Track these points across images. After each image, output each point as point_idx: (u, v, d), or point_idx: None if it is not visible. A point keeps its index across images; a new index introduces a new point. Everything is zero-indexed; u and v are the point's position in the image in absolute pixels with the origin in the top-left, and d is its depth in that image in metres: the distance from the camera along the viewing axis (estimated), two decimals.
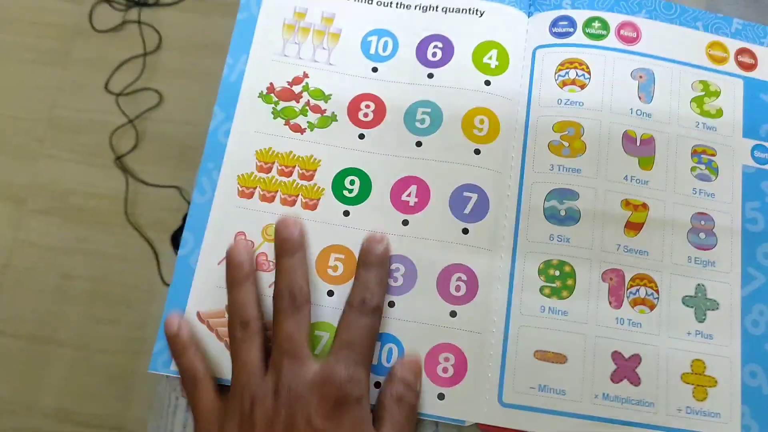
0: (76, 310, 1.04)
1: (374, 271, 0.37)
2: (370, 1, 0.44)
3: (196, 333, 0.37)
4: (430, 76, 0.42)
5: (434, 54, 0.43)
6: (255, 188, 0.40)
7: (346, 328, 0.35)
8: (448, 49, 0.43)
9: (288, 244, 0.37)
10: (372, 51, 0.43)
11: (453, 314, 0.38)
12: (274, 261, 0.37)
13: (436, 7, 0.44)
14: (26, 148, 1.11)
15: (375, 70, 0.42)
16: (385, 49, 0.43)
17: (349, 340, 0.35)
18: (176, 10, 1.17)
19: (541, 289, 0.39)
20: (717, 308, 0.39)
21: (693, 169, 0.41)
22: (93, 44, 1.16)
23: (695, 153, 0.42)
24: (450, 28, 0.43)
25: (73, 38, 1.15)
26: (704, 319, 0.39)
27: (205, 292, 0.38)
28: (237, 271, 0.37)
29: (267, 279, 0.39)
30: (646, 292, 0.39)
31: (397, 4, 0.44)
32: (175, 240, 1.02)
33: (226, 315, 0.37)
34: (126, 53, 1.14)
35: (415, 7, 0.44)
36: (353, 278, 0.38)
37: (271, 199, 0.40)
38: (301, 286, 0.36)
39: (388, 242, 0.38)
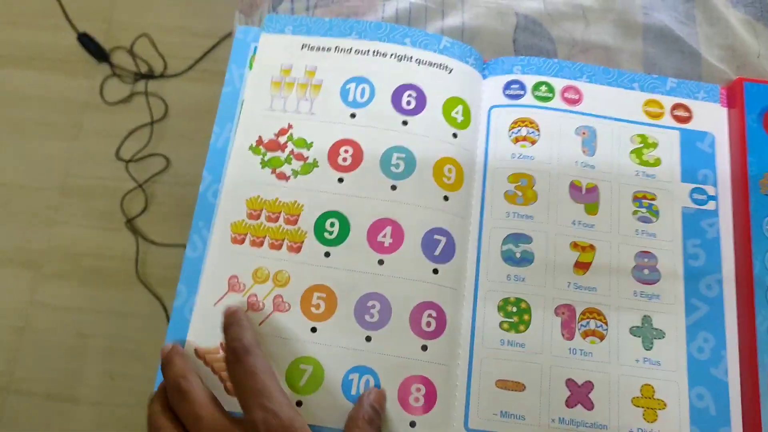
0: (92, 367, 1.09)
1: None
2: (349, 51, 0.49)
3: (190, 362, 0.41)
4: (405, 123, 0.47)
5: (408, 102, 0.47)
6: (246, 234, 0.44)
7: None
8: (420, 99, 0.47)
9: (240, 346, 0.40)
10: (350, 98, 0.47)
11: (424, 348, 0.42)
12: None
13: (411, 58, 0.48)
14: (41, 216, 1.18)
15: (353, 116, 0.47)
16: (362, 95, 0.47)
17: None
18: (181, 81, 1.25)
19: (500, 324, 0.43)
20: (663, 337, 0.43)
21: (635, 212, 0.46)
22: (103, 116, 1.24)
23: (636, 198, 0.46)
24: (422, 79, 0.48)
25: (84, 111, 1.24)
26: (651, 347, 0.43)
27: (202, 332, 0.43)
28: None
29: (257, 318, 0.43)
30: (596, 324, 0.43)
31: (374, 52, 0.49)
32: None
33: (221, 351, 0.42)
34: (135, 122, 1.22)
35: (391, 55, 0.48)
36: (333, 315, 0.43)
37: (260, 244, 0.44)
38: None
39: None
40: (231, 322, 0.41)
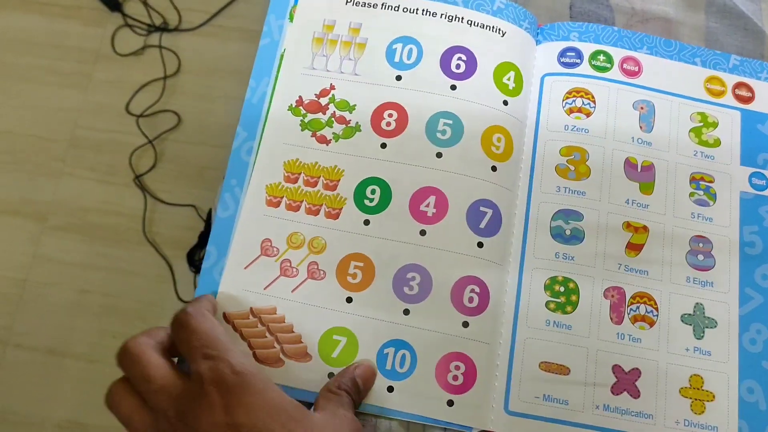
0: (93, 324, 1.07)
1: None
2: (396, 8, 0.46)
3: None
4: (453, 87, 0.44)
5: (458, 66, 0.45)
6: (282, 198, 0.42)
7: None
8: (471, 63, 0.45)
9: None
10: (396, 59, 0.45)
11: (465, 324, 0.40)
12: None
13: (462, 19, 0.46)
14: (48, 167, 1.15)
15: (399, 78, 0.45)
16: (409, 56, 0.45)
17: None
18: (196, 35, 1.21)
19: (546, 304, 0.41)
20: (715, 326, 0.42)
21: (692, 194, 0.44)
22: (115, 68, 1.20)
23: (694, 179, 0.44)
24: (473, 41, 0.45)
25: (95, 61, 1.20)
26: (702, 336, 0.41)
27: (231, 296, 0.41)
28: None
29: (290, 284, 0.41)
30: (646, 310, 0.41)
31: (423, 11, 0.46)
32: (191, 257, 1.05)
33: (251, 317, 0.40)
34: (147, 76, 1.19)
35: (441, 15, 0.46)
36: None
37: (297, 209, 0.42)
38: None
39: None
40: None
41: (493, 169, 0.43)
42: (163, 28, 1.20)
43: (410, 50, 0.45)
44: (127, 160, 1.14)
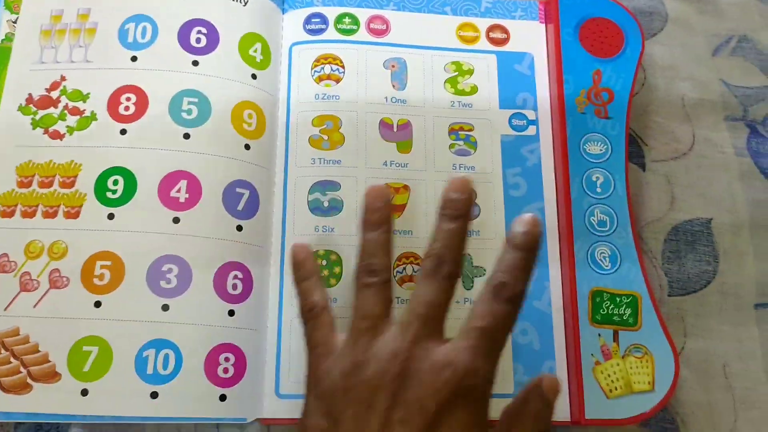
0: None
1: (521, 254, 0.33)
2: None
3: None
4: (195, 63, 0.42)
5: (198, 40, 0.43)
6: (16, 206, 0.40)
7: (481, 314, 0.32)
8: (213, 36, 0.43)
9: (455, 206, 0.34)
10: (130, 39, 0.43)
11: (231, 313, 0.39)
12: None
13: None
14: None
15: (134, 59, 0.42)
16: (143, 35, 0.43)
17: (483, 327, 0.31)
18: None
19: None
20: (483, 274, 0.42)
21: (452, 146, 0.44)
22: None
23: (453, 131, 0.44)
24: (213, 13, 0.43)
25: None
26: (472, 286, 0.41)
27: None
28: (373, 215, 0.36)
29: (31, 299, 0.38)
30: (414, 270, 0.41)
31: None
32: None
33: (20, 333, 0.38)
34: None
35: None
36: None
37: (33, 214, 0.40)
38: (456, 259, 0.33)
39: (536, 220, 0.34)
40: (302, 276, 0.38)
41: (247, 147, 0.42)
42: None
43: (144, 28, 0.43)
44: None
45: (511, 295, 0.32)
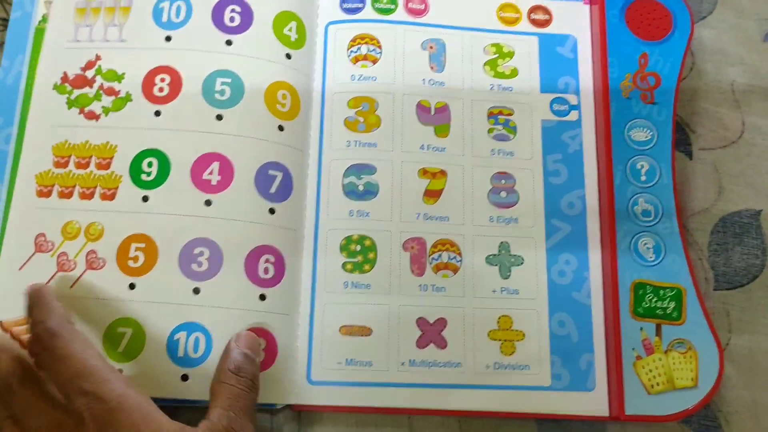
0: None
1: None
2: None
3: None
4: (229, 43, 0.42)
5: (232, 19, 0.42)
6: (53, 186, 0.40)
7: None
8: (246, 14, 0.42)
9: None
10: (164, 18, 0.42)
11: (262, 297, 0.39)
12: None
13: None
14: None
15: (168, 39, 0.42)
16: (178, 14, 0.42)
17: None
18: None
19: (343, 265, 0.40)
20: (521, 263, 0.41)
21: (490, 130, 0.42)
22: None
23: (492, 115, 0.43)
24: None
25: None
26: (509, 275, 0.40)
27: (6, 301, 0.38)
28: None
29: (68, 279, 0.38)
30: (449, 257, 0.40)
31: None
32: None
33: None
34: None
35: None
36: None
37: (69, 195, 0.40)
38: None
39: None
40: (33, 302, 0.36)
41: (280, 128, 0.41)
42: None
43: (178, 7, 0.42)
44: None
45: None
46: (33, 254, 0.39)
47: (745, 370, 0.40)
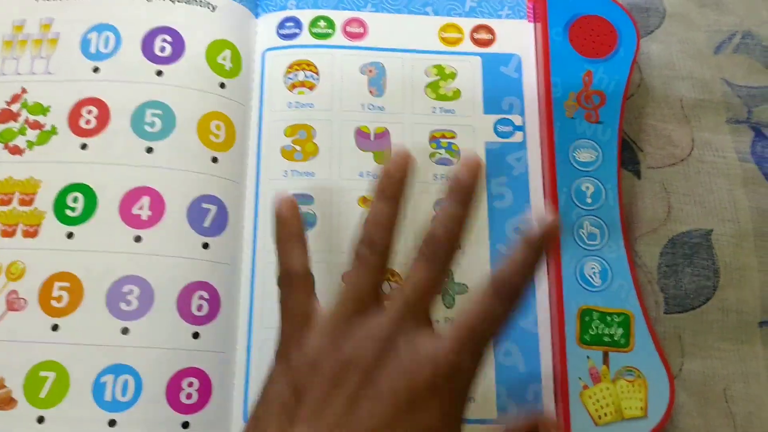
0: None
1: (531, 251, 0.30)
2: None
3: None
4: (159, 73, 0.41)
5: (162, 48, 0.41)
6: None
7: (476, 311, 0.30)
8: (178, 44, 0.42)
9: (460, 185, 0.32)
10: (92, 50, 0.41)
11: (195, 335, 0.38)
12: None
13: None
14: None
15: (96, 70, 0.41)
16: (106, 45, 0.42)
17: (475, 326, 0.29)
18: None
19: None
20: (466, 291, 0.39)
21: (432, 155, 0.42)
22: None
23: (434, 138, 0.42)
24: (178, 20, 0.42)
25: None
26: (453, 304, 0.39)
27: None
28: (390, 186, 0.33)
29: (17, 321, 0.37)
30: (389, 287, 0.39)
31: None
32: None
33: None
34: None
35: None
36: None
37: None
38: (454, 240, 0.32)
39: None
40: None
41: (214, 160, 0.40)
42: None
43: (107, 38, 0.42)
44: None
45: (513, 295, 0.30)
46: None
47: (699, 397, 0.38)
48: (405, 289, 0.31)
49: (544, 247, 0.30)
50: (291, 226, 0.35)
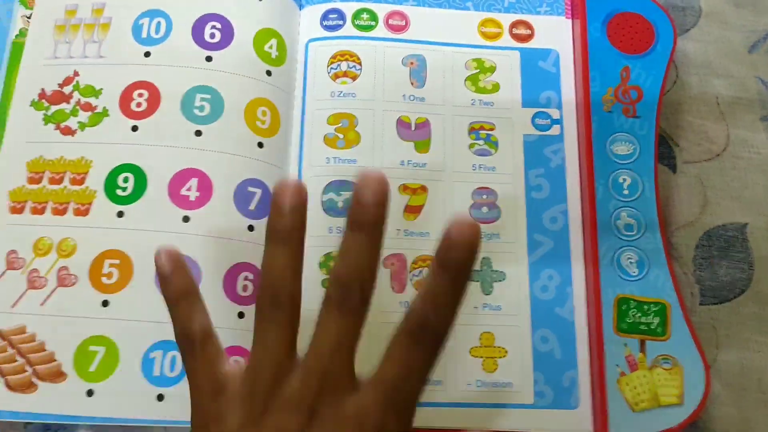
0: None
1: (451, 278, 0.26)
2: None
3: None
4: (209, 59, 0.42)
5: (212, 35, 0.42)
6: (26, 202, 0.40)
7: (395, 360, 0.26)
8: (227, 31, 0.43)
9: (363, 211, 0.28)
10: (144, 35, 0.43)
11: (241, 315, 0.39)
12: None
13: None
14: None
15: (147, 54, 0.42)
16: (158, 30, 0.43)
17: (396, 378, 0.26)
18: None
19: (322, 283, 0.40)
20: (503, 279, 0.40)
21: (471, 146, 0.42)
22: None
23: (473, 130, 0.43)
24: (228, 7, 0.43)
25: None
26: (491, 291, 0.40)
27: None
28: (278, 223, 0.28)
29: (38, 296, 0.38)
30: (417, 275, 0.40)
31: None
32: None
33: (27, 331, 0.38)
34: None
35: None
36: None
37: (42, 211, 0.40)
38: (366, 284, 0.28)
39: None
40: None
41: (260, 145, 0.41)
42: None
43: (158, 24, 0.43)
44: None
45: (434, 338, 0.26)
46: (4, 272, 0.39)
47: (734, 388, 0.39)
48: (322, 349, 0.27)
49: (465, 270, 0.26)
50: (177, 282, 0.30)
